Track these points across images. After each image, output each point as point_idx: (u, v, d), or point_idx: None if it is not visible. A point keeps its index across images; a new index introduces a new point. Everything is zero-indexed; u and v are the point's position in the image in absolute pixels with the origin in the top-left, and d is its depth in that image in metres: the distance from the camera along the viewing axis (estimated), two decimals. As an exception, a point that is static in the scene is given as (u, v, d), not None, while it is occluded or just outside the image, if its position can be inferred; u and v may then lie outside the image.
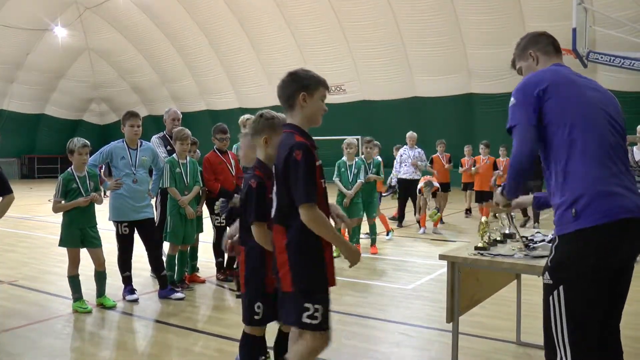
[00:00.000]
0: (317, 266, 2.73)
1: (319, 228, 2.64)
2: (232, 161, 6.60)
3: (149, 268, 6.71)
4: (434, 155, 11.80)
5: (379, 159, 8.96)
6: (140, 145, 5.88)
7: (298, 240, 2.70)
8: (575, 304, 2.31)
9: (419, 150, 10.99)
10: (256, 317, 3.12)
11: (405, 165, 10.86)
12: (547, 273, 2.43)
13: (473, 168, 11.84)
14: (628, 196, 2.33)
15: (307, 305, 2.70)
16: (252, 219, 2.99)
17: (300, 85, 2.76)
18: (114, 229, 5.77)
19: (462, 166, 12.50)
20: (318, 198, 2.67)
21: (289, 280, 2.72)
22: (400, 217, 11.39)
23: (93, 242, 5.34)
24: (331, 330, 2.81)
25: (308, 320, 2.70)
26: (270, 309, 3.14)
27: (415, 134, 11.15)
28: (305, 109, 2.77)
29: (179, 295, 5.75)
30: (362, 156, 8.56)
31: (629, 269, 2.48)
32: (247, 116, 7.52)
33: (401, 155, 11.08)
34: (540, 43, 2.80)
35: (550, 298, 2.38)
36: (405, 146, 11.18)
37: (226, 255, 6.65)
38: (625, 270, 2.46)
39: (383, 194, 10.81)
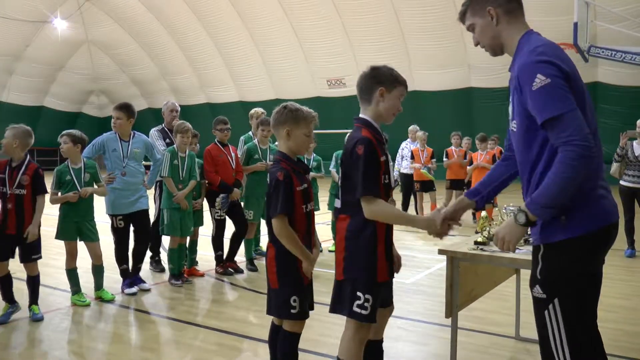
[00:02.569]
0: (370, 257, 2.81)
1: (383, 218, 2.77)
2: (232, 155, 6.59)
3: (148, 260, 6.73)
4: (447, 149, 10.87)
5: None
6: (133, 137, 5.86)
7: (356, 229, 2.80)
8: (572, 314, 2.21)
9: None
10: (293, 310, 3.02)
11: (407, 159, 10.68)
12: (537, 286, 2.29)
13: (466, 165, 10.65)
14: (609, 197, 2.25)
15: (358, 294, 2.80)
16: (278, 212, 2.94)
17: (380, 80, 2.82)
18: (110, 223, 5.78)
19: (447, 157, 10.78)
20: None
21: (341, 269, 2.86)
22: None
23: (89, 236, 5.33)
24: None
25: (358, 310, 2.80)
26: (305, 302, 3.09)
27: (417, 127, 11.03)
28: (380, 104, 2.83)
29: (132, 290, 5.68)
30: None
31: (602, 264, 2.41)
32: (259, 110, 7.49)
33: (402, 149, 10.95)
34: None
35: (546, 313, 2.25)
36: (407, 140, 11.07)
37: (225, 249, 6.65)
38: (601, 268, 2.40)
39: None
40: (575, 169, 2.04)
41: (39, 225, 4.89)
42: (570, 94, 2.10)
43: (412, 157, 10.49)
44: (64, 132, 5.30)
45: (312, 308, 3.22)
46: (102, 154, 5.76)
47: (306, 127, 3.08)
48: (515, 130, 2.35)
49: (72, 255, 5.30)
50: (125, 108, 5.82)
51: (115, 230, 5.75)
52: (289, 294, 3.02)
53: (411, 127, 11.01)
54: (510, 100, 2.37)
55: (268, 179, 3.07)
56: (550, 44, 2.26)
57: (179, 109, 7.02)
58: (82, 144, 5.34)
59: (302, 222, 3.05)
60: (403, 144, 11.05)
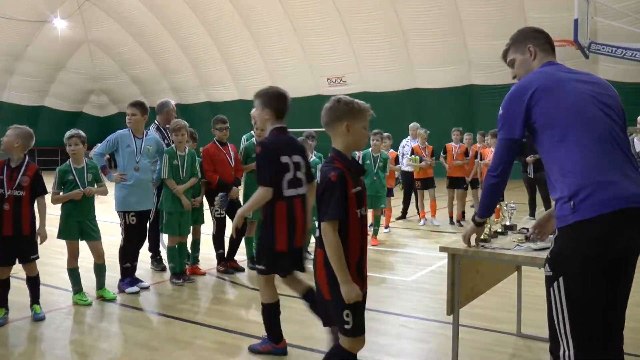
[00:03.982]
0: None
1: None
2: (232, 153, 6.59)
3: (149, 260, 6.73)
4: (447, 144, 10.53)
5: (387, 153, 8.87)
6: (146, 135, 5.93)
7: None
8: (574, 294, 2.32)
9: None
10: (346, 326, 2.78)
11: (407, 157, 10.52)
12: (547, 265, 2.45)
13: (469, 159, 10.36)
14: (626, 184, 2.31)
15: None
16: (328, 217, 2.71)
17: None
18: (119, 219, 5.79)
19: (446, 153, 10.42)
20: None
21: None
22: (404, 210, 11.04)
23: (92, 235, 5.34)
24: None
25: None
26: (361, 316, 2.85)
27: (417, 124, 10.89)
28: None
29: (134, 289, 5.67)
30: (370, 149, 8.44)
31: (632, 261, 2.45)
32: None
33: (404, 147, 10.82)
34: (539, 39, 2.80)
35: (551, 290, 2.39)
36: (407, 137, 10.96)
37: (227, 247, 6.65)
38: (628, 261, 2.43)
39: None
40: (485, 189, 2.83)
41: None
42: (508, 126, 2.66)
43: (413, 154, 10.39)
44: (72, 133, 5.26)
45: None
46: (115, 151, 5.80)
47: (364, 120, 2.91)
48: None
49: (73, 254, 5.30)
50: (139, 105, 5.91)
51: (126, 227, 5.75)
52: (341, 307, 2.77)
53: (412, 125, 10.95)
54: None
55: (318, 179, 2.89)
56: (535, 73, 2.66)
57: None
58: (86, 143, 5.39)
59: (356, 227, 2.83)
60: (403, 142, 10.98)
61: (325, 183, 2.76)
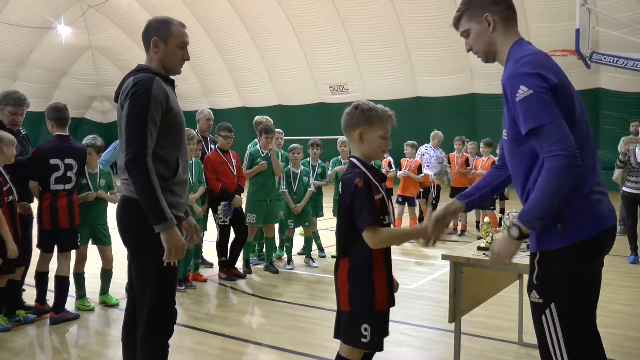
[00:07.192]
0: None
1: None
2: (234, 160, 6.61)
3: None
4: (450, 154, 10.30)
5: (389, 158, 8.83)
6: None
7: None
8: (569, 319, 2.22)
9: (441, 151, 10.05)
10: (363, 339, 2.62)
11: (428, 166, 9.94)
12: (534, 291, 2.30)
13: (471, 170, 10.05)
14: (605, 201, 2.26)
15: None
16: (368, 223, 2.55)
17: None
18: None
19: (449, 163, 10.22)
20: None
21: None
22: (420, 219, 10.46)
23: (102, 240, 5.41)
24: None
25: None
26: (379, 330, 2.67)
27: (440, 132, 10.31)
28: None
29: None
30: None
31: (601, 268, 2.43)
32: (263, 118, 7.54)
33: (422, 155, 10.14)
34: (499, 6, 2.39)
35: (543, 317, 2.28)
36: (427, 145, 10.29)
37: (229, 254, 6.67)
38: (600, 271, 2.42)
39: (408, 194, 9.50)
40: (561, 178, 2.07)
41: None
42: (552, 105, 2.11)
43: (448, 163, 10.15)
44: (88, 143, 5.32)
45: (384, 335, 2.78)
46: None
47: (382, 128, 2.71)
48: (505, 138, 2.40)
49: (82, 259, 5.36)
50: None
51: None
52: (360, 321, 2.63)
53: (434, 133, 10.29)
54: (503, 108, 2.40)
55: (340, 187, 2.72)
56: (537, 54, 2.27)
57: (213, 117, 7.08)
58: (102, 152, 5.49)
59: None
60: (422, 149, 10.25)
61: (352, 191, 2.60)
